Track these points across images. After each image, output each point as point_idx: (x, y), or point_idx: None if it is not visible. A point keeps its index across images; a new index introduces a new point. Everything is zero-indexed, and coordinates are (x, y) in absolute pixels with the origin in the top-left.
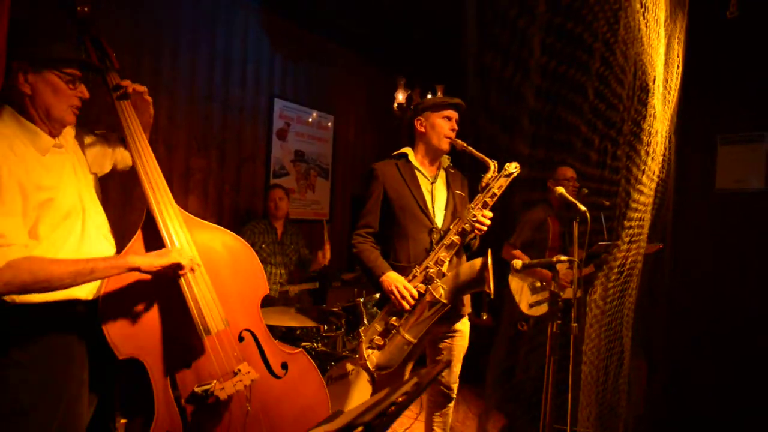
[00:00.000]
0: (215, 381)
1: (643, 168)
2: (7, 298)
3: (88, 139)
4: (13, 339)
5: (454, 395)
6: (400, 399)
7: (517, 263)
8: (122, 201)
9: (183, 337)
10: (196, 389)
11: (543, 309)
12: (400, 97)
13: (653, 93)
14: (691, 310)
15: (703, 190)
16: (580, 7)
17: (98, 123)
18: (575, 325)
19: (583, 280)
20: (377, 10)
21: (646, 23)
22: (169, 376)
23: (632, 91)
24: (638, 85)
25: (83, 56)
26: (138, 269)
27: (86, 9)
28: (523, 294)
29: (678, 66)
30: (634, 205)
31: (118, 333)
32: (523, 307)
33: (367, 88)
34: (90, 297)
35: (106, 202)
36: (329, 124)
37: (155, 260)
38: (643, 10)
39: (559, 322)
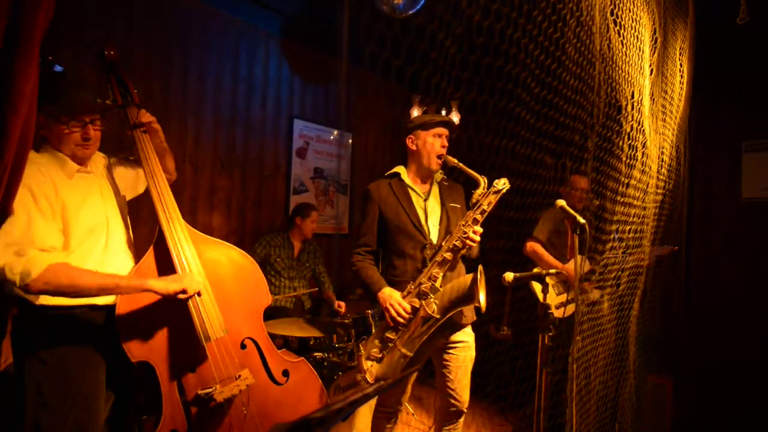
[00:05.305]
0: (217, 385)
1: (625, 181)
2: (33, 298)
3: (120, 167)
4: (40, 338)
5: (465, 408)
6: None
7: (509, 276)
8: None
9: (188, 343)
10: (200, 392)
11: (570, 309)
12: (416, 113)
13: (636, 107)
14: (720, 322)
15: (730, 198)
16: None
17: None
18: (579, 338)
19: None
20: (392, 33)
21: (622, 41)
22: (176, 379)
23: (597, 109)
24: (606, 102)
25: (100, 100)
26: (154, 292)
27: (112, 53)
28: (548, 296)
29: (681, 76)
30: (622, 218)
31: (131, 338)
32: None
33: (384, 106)
34: (107, 302)
35: (138, 219)
36: (348, 141)
37: (169, 285)
38: (618, 28)
39: (551, 333)
